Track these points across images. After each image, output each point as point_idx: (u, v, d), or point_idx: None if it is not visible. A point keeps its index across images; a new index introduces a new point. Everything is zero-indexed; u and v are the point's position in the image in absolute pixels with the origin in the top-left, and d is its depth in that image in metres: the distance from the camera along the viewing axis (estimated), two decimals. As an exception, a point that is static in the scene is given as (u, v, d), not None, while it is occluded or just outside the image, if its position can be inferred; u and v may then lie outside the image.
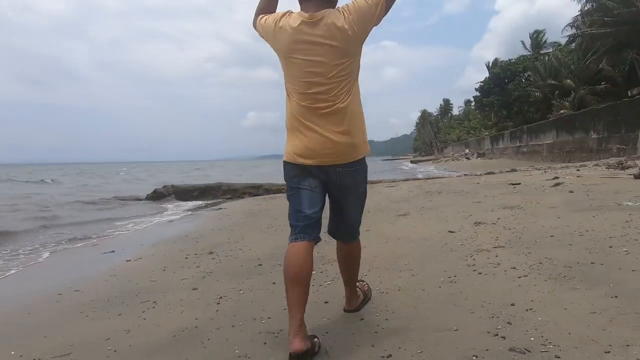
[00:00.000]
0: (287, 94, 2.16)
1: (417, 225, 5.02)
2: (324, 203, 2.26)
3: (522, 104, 44.96)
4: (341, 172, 2.13)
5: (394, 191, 9.17)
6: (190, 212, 9.76)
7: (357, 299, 2.55)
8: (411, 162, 58.55)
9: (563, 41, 47.31)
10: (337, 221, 2.37)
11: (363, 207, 2.40)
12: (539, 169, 11.74)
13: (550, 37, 48.88)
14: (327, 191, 2.23)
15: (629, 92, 26.50)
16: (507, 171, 11.85)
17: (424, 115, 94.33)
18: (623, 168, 8.96)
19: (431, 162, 49.60)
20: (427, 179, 11.96)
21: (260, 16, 2.23)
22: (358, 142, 2.13)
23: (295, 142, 2.13)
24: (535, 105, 42.08)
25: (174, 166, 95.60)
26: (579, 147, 20.25)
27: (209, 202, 12.50)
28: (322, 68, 2.03)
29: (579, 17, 32.75)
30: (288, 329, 1.98)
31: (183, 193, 13.43)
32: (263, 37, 2.22)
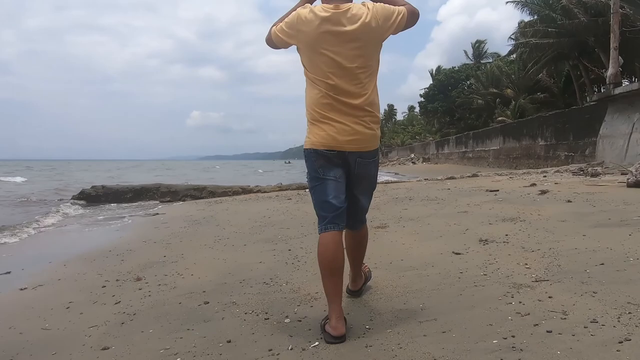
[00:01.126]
0: (311, 84, 2.20)
1: (407, 243, 3.99)
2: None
3: (464, 110, 45.90)
4: (360, 161, 2.21)
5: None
6: (121, 218, 8.27)
7: (361, 279, 2.64)
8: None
9: (502, 52, 49.14)
10: (350, 210, 2.31)
11: (372, 195, 2.47)
12: (502, 175, 11.17)
13: (489, 48, 50.44)
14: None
15: (586, 99, 27.35)
16: (468, 176, 11.19)
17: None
18: (593, 175, 8.46)
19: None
20: (386, 183, 11.07)
21: (275, 23, 2.30)
22: (378, 133, 2.27)
23: (320, 132, 2.16)
24: (477, 112, 43.03)
25: (113, 165, 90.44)
26: (526, 153, 20.28)
27: (145, 205, 10.98)
28: (349, 59, 2.11)
29: (520, 28, 33.53)
30: (329, 313, 2.09)
31: (115, 195, 11.78)
32: (286, 38, 2.24)
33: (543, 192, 6.04)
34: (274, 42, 2.31)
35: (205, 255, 4.22)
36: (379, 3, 2.17)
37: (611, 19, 11.13)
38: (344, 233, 2.32)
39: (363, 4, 2.16)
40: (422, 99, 51.26)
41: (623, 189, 5.90)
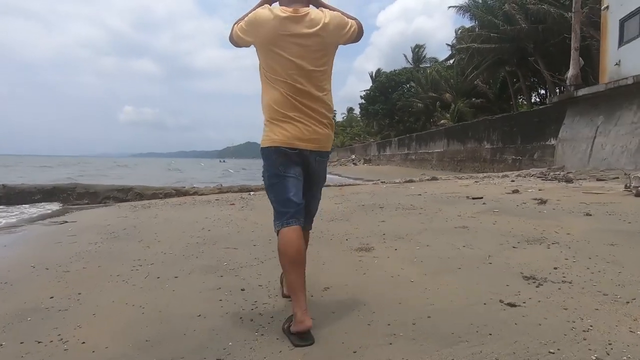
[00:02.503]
0: (270, 85, 2.18)
1: (416, 279, 2.75)
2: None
3: (403, 113, 46.08)
4: (319, 160, 2.25)
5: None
6: (18, 225, 6.47)
7: None
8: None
9: (440, 57, 49.99)
10: (305, 209, 2.30)
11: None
12: (463, 179, 10.33)
13: (427, 53, 51.10)
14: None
15: (520, 105, 27.66)
16: (427, 179, 10.26)
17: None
18: (567, 181, 7.73)
19: (318, 166, 48.63)
20: (340, 186, 9.88)
21: (237, 21, 2.29)
22: (332, 134, 2.30)
23: (282, 130, 2.14)
24: (416, 115, 43.28)
25: (32, 160, 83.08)
26: (472, 156, 19.96)
27: (57, 209, 9.08)
28: (307, 61, 2.14)
29: (460, 34, 33.82)
30: (295, 308, 2.02)
31: (19, 196, 9.70)
32: (245, 36, 2.23)
33: (542, 202, 5.09)
34: (235, 40, 2.31)
35: (113, 298, 2.76)
36: (335, 12, 2.24)
37: (572, 18, 10.65)
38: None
39: (321, 10, 2.23)
40: (363, 101, 50.98)
41: (632, 198, 5.06)
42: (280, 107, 2.14)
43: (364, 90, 52.30)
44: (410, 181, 10.02)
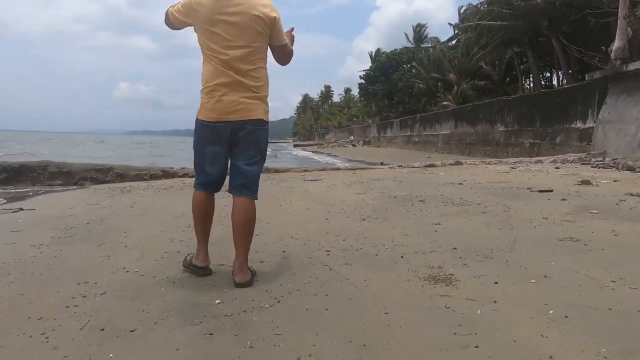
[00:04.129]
0: (206, 59, 2.33)
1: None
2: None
3: (404, 94, 44.48)
4: (250, 129, 2.32)
5: (326, 190, 5.56)
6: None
7: (247, 272, 2.38)
8: (294, 145, 55.54)
9: (442, 38, 48.17)
10: (232, 175, 2.44)
11: (261, 163, 2.52)
12: (489, 163, 9.00)
13: (429, 33, 49.27)
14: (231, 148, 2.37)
15: (527, 86, 26.21)
16: (451, 164, 8.93)
17: (306, 100, 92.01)
18: (629, 169, 6.43)
19: (316, 146, 47.06)
20: (353, 170, 8.53)
21: (172, 6, 2.39)
22: (263, 104, 2.37)
23: (212, 105, 2.28)
24: (417, 96, 41.71)
25: (27, 137, 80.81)
26: (483, 139, 18.63)
27: (20, 191, 7.70)
28: (238, 38, 2.26)
29: (469, 11, 32.18)
30: (198, 250, 2.54)
31: (-20, 175, 8.30)
32: (183, 18, 2.35)
33: (644, 198, 3.78)
34: (171, 22, 2.43)
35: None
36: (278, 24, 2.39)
37: (620, -17, 9.22)
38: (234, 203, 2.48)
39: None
40: (362, 81, 49.28)
41: None
42: (213, 79, 2.29)
43: (364, 70, 50.53)
44: (432, 165, 8.67)
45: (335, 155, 30.30)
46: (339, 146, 41.22)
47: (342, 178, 6.97)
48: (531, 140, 15.27)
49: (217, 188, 2.56)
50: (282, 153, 39.19)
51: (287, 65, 2.53)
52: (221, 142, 2.32)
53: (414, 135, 28.11)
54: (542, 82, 32.31)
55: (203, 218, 2.51)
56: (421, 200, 4.41)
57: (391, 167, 8.69)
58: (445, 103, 30.36)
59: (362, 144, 39.23)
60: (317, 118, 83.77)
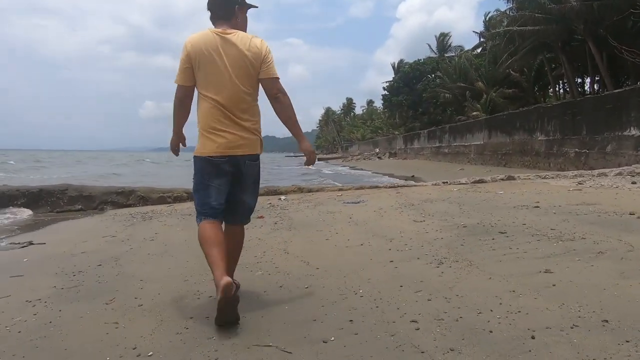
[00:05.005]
0: (201, 98, 2.38)
1: None
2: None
3: (429, 105, 43.41)
4: (248, 164, 2.41)
5: (375, 217, 4.75)
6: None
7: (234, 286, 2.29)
8: (318, 159, 54.79)
9: (466, 47, 47.05)
10: (232, 208, 2.48)
11: (257, 193, 2.60)
12: (544, 177, 8.03)
13: (452, 42, 48.22)
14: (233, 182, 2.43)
15: (560, 93, 24.93)
16: (502, 179, 7.99)
17: (328, 113, 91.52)
18: None
19: (341, 160, 46.18)
20: (394, 187, 7.70)
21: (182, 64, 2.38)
22: (259, 140, 2.46)
23: (210, 142, 2.34)
24: (443, 106, 40.61)
25: (58, 156, 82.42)
26: (520, 149, 17.54)
27: (39, 217, 7.15)
28: (232, 75, 2.32)
29: (497, 17, 31.21)
30: (215, 277, 2.14)
31: (-2, 201, 7.77)
32: (186, 71, 2.37)
33: None
34: (184, 87, 2.41)
35: None
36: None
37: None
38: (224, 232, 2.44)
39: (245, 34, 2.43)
40: (386, 92, 48.48)
41: None
42: (211, 119, 2.38)
43: (387, 82, 49.76)
44: (482, 181, 7.77)
45: (359, 169, 29.43)
46: (364, 159, 40.34)
47: (386, 199, 6.15)
48: (577, 149, 14.16)
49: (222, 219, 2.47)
50: (298, 167, 38.51)
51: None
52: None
53: (443, 146, 27.06)
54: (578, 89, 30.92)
55: (216, 243, 2.28)
56: (502, 232, 3.55)
57: (436, 185, 7.82)
58: (475, 113, 29.28)
59: (388, 156, 38.25)
60: (340, 131, 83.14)
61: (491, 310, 2.04)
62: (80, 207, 7.97)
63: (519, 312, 1.99)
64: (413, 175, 19.19)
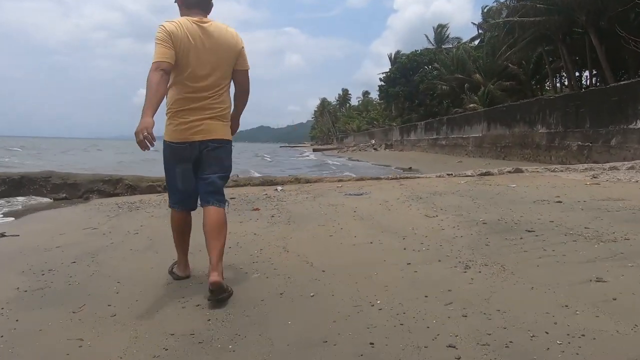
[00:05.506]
0: (174, 82, 2.35)
1: None
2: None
3: (425, 96, 42.89)
4: (211, 146, 2.39)
5: (381, 211, 4.34)
6: None
7: (221, 274, 2.33)
8: (314, 150, 54.21)
9: (464, 38, 46.43)
10: (202, 189, 2.45)
11: (227, 177, 2.57)
12: (556, 170, 7.65)
13: (450, 34, 47.63)
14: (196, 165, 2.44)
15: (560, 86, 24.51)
16: (508, 171, 7.60)
17: (324, 104, 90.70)
18: None
19: (336, 150, 45.71)
20: (397, 179, 7.29)
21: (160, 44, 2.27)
22: (226, 126, 2.48)
23: (175, 127, 2.36)
24: (440, 98, 40.13)
25: (62, 144, 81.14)
26: (520, 142, 17.18)
27: (18, 208, 6.69)
28: (208, 63, 2.33)
29: (498, 6, 30.69)
30: (178, 260, 2.63)
31: (-25, 187, 7.28)
32: (169, 51, 2.25)
33: None
34: (168, 64, 2.25)
35: None
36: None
37: None
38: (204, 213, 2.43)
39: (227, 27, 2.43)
40: (383, 83, 47.92)
41: None
42: (177, 104, 2.38)
43: (383, 73, 49.14)
44: (489, 174, 7.37)
45: (355, 160, 28.99)
46: (360, 150, 39.89)
47: (390, 191, 5.73)
48: (579, 142, 13.80)
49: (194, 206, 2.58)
50: (303, 158, 37.93)
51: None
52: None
53: (441, 138, 26.68)
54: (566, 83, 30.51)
55: (183, 233, 2.59)
56: (529, 231, 3.14)
57: (441, 177, 7.41)
58: (472, 105, 28.84)
59: (384, 148, 37.83)
60: (335, 122, 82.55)
61: (547, 333, 1.63)
62: (64, 195, 7.50)
63: (583, 335, 1.58)
64: (410, 167, 18.80)
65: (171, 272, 2.63)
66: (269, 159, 35.26)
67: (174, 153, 2.39)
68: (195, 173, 2.43)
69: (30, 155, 31.37)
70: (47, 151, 42.21)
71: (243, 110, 2.63)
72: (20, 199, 7.13)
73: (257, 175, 11.54)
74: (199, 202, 2.51)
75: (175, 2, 2.45)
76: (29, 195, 7.46)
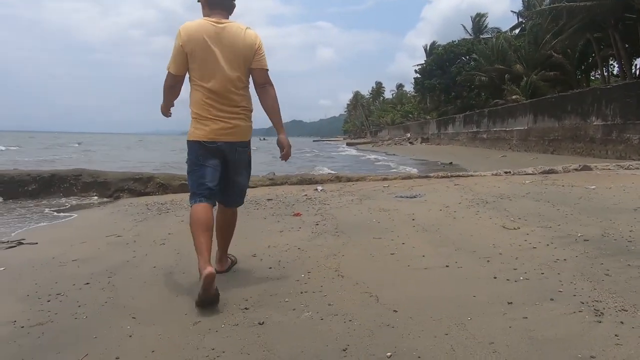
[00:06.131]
0: (195, 86, 2.40)
1: None
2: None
3: (462, 88, 41.34)
4: (239, 150, 2.46)
5: (445, 219, 3.68)
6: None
7: (227, 261, 2.70)
8: (347, 144, 53.38)
9: (503, 28, 44.52)
10: (228, 190, 2.52)
11: (249, 175, 2.65)
12: (629, 167, 6.72)
13: (489, 23, 45.72)
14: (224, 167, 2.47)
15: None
16: (574, 169, 6.74)
17: (357, 97, 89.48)
18: None
19: (371, 145, 44.79)
20: (448, 177, 6.55)
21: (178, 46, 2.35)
22: (250, 127, 2.52)
23: (204, 127, 2.36)
24: (478, 89, 38.56)
25: (87, 138, 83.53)
26: (572, 135, 15.97)
27: (47, 205, 6.38)
28: (227, 65, 2.34)
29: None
30: (200, 263, 2.16)
31: (7, 186, 6.99)
32: (180, 56, 2.35)
33: None
34: (175, 76, 2.40)
35: None
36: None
37: None
38: (217, 212, 2.53)
39: (239, 25, 2.41)
40: (418, 75, 46.60)
41: None
42: (201, 106, 2.41)
43: (419, 64, 47.76)
44: (552, 172, 6.54)
45: (392, 154, 28.11)
46: (395, 144, 38.86)
47: (446, 193, 5.03)
48: (641, 135, 12.59)
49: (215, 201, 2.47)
50: (338, 153, 37.21)
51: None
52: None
53: (481, 131, 25.47)
54: (616, 73, 28.52)
55: (207, 227, 2.30)
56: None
57: (497, 175, 6.62)
58: (515, 97, 27.41)
59: (421, 142, 36.68)
60: (369, 115, 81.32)
61: None
62: (95, 194, 7.17)
63: None
64: (451, 162, 17.87)
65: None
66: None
67: (201, 150, 2.37)
68: (221, 170, 2.43)
69: (98, 153, 30.50)
70: (102, 147, 42.48)
71: (277, 114, 2.49)
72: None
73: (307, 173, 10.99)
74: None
75: (198, 1, 2.47)
76: (58, 194, 7.18)
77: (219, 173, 2.41)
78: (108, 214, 5.24)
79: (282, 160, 2.51)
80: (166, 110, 2.62)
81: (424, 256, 2.68)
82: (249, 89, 2.49)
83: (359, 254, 2.82)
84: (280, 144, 2.48)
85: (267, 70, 2.45)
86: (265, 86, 2.44)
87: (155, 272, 2.77)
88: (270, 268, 2.67)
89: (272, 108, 2.45)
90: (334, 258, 2.77)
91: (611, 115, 14.00)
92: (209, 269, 2.08)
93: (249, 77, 2.46)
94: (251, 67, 2.40)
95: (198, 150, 2.37)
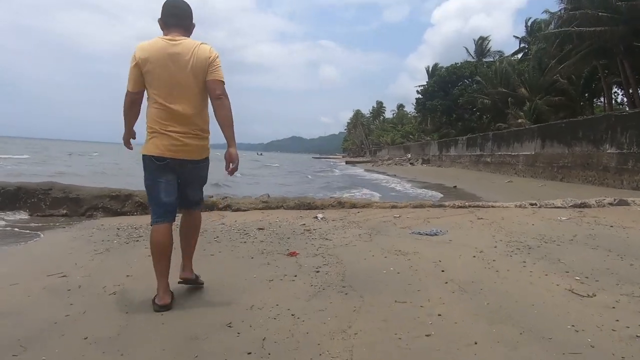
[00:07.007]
0: (150, 101, 2.41)
1: None
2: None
3: (464, 110, 40.84)
4: (191, 167, 2.45)
5: (483, 270, 2.85)
6: None
7: (191, 272, 2.62)
8: (346, 162, 52.60)
9: (505, 52, 44.21)
10: (183, 201, 2.54)
11: (203, 187, 2.65)
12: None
13: (492, 46, 45.46)
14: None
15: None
16: (610, 203, 5.90)
17: (357, 116, 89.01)
18: None
19: (370, 164, 43.97)
20: (465, 207, 5.70)
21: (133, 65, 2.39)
22: (204, 146, 2.50)
23: (156, 142, 2.35)
24: (481, 112, 38.05)
25: (94, 147, 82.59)
26: (583, 162, 15.18)
27: (8, 225, 5.51)
28: (181, 80, 2.35)
29: (554, 15, 28.54)
30: (158, 288, 2.33)
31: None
32: (136, 74, 2.37)
33: None
34: (133, 93, 2.41)
35: None
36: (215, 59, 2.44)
37: None
38: (181, 216, 2.62)
39: (195, 42, 2.43)
40: (420, 96, 46.16)
41: None
42: (155, 121, 2.43)
43: (420, 85, 47.37)
44: (586, 206, 5.71)
45: (392, 175, 27.28)
46: (395, 164, 38.07)
47: (470, 229, 4.17)
48: (661, 166, 11.79)
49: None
50: (338, 173, 36.41)
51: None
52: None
53: (485, 155, 24.71)
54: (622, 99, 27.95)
55: (166, 253, 2.38)
56: None
57: (522, 207, 5.78)
58: (520, 121, 26.78)
59: (421, 163, 35.91)
60: (368, 134, 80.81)
61: None
62: (65, 211, 6.29)
63: None
64: (455, 186, 17.04)
65: (154, 303, 2.36)
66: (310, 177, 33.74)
67: (154, 165, 2.37)
68: (175, 185, 2.45)
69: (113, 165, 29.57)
70: (109, 156, 41.90)
71: (230, 126, 2.41)
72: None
73: (294, 196, 10.10)
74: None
75: (158, 21, 2.49)
76: (25, 209, 6.29)
77: (174, 187, 2.43)
78: (69, 239, 4.35)
79: (228, 174, 2.48)
80: (127, 139, 2.56)
81: (476, 343, 1.81)
82: (208, 109, 2.46)
83: (379, 333, 1.95)
84: (229, 157, 2.41)
85: (223, 82, 2.41)
86: (220, 98, 2.39)
87: (83, 348, 1.88)
88: (249, 354, 1.79)
89: (225, 119, 2.39)
90: (343, 338, 1.90)
91: (627, 144, 13.24)
92: (165, 301, 2.29)
93: (206, 94, 2.42)
94: (206, 79, 2.38)
95: (151, 165, 2.38)
